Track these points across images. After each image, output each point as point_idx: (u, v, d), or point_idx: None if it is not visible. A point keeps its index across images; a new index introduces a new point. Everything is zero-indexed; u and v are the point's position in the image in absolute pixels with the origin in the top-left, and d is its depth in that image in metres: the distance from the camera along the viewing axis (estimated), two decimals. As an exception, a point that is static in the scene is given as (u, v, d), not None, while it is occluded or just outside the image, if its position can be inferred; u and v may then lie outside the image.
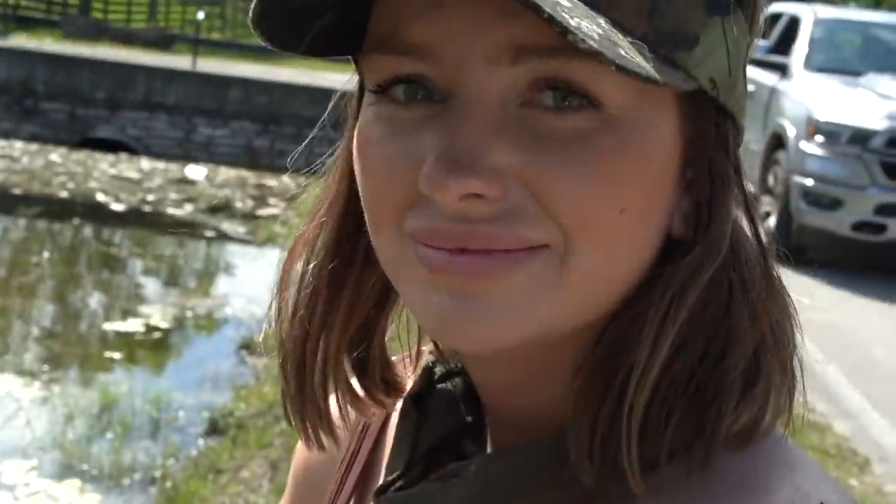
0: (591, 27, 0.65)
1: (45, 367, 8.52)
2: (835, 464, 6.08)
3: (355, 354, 0.92)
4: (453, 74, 0.72)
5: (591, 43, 0.64)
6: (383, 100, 0.77)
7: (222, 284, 11.38)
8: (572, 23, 0.64)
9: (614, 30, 0.68)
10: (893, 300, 9.78)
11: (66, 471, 6.50)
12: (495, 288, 0.73)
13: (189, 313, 10.04)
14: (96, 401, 7.50)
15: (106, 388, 7.75)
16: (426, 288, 0.75)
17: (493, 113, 0.72)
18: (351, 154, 0.82)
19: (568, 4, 0.66)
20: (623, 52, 0.66)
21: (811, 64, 11.45)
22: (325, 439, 0.94)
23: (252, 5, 0.73)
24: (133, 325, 9.50)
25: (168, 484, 6.21)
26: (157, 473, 6.45)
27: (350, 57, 0.83)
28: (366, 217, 0.80)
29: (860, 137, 10.11)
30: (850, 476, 6.02)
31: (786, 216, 10.29)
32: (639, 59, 0.67)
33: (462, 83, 0.72)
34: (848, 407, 7.13)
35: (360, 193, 0.80)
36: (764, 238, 0.81)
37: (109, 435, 7.00)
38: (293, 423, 0.94)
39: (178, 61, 20.59)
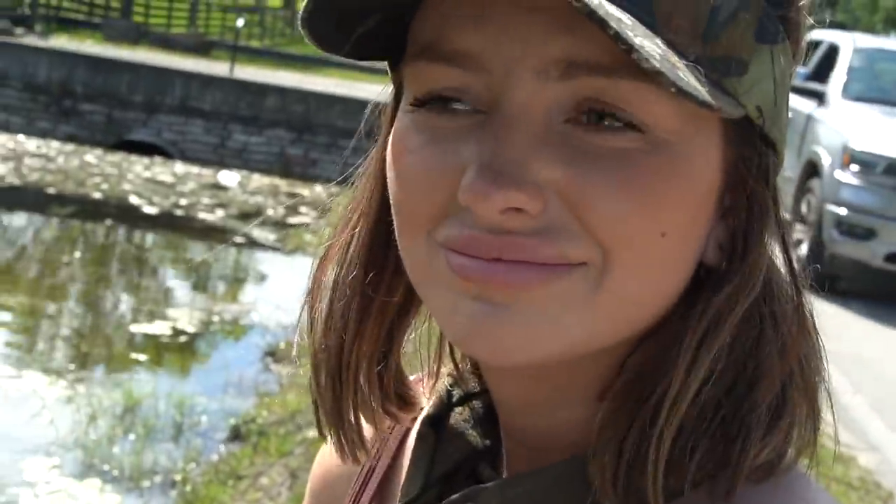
0: (652, 47, 0.65)
1: (71, 367, 8.60)
2: (858, 496, 6.03)
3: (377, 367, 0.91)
4: (500, 86, 0.71)
5: (654, 63, 0.63)
6: (422, 108, 0.75)
7: (250, 291, 11.45)
8: (636, 41, 0.63)
9: (670, 51, 0.67)
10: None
11: (87, 470, 6.54)
12: (528, 299, 0.72)
13: (216, 318, 10.09)
14: (120, 402, 7.54)
15: (130, 390, 7.79)
16: (455, 295, 0.74)
17: (538, 127, 0.71)
18: (383, 162, 0.81)
19: (629, 22, 0.65)
20: (681, 75, 0.65)
21: (849, 93, 11.40)
22: (358, 452, 0.93)
23: (304, 3, 0.71)
24: (160, 328, 9.56)
25: (188, 488, 6.23)
26: (178, 477, 6.48)
27: (387, 64, 0.82)
28: (395, 224, 0.79)
29: (896, 165, 10.08)
30: (874, 509, 5.99)
31: (818, 245, 10.22)
32: (695, 83, 0.66)
33: (508, 95, 0.71)
34: (873, 439, 7.08)
35: (392, 201, 0.79)
36: (797, 271, 0.79)
37: (132, 437, 7.04)
38: (328, 434, 0.93)
39: (217, 67, 20.72)
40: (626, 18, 0.65)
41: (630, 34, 0.63)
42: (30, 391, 7.77)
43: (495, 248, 0.71)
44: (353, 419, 0.91)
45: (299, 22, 0.73)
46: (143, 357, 8.94)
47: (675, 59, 0.66)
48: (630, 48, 0.63)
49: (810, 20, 0.80)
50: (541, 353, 0.74)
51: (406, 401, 0.94)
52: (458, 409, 0.92)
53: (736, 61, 0.72)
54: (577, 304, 0.72)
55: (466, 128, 0.72)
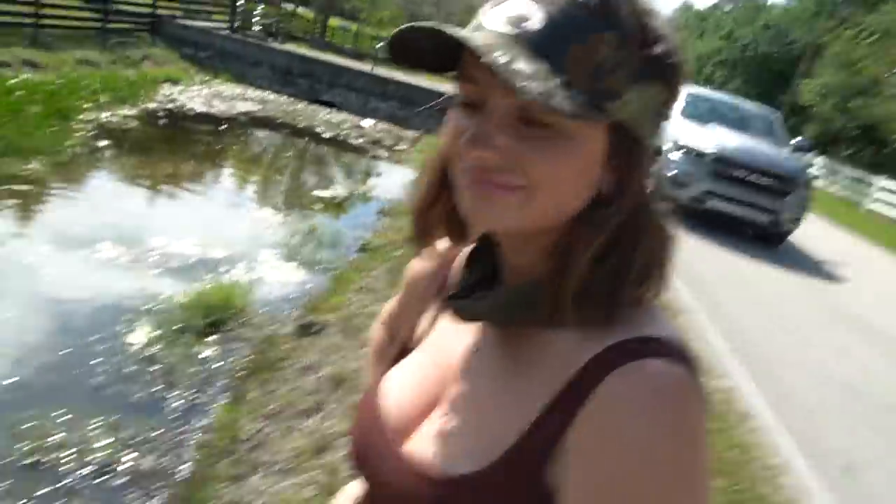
0: (536, 87, 0.64)
1: (284, 209, 8.58)
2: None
3: (449, 220, 0.87)
4: (487, 97, 0.71)
5: (530, 95, 0.64)
6: (460, 105, 0.75)
7: (373, 180, 11.29)
8: (525, 84, 0.64)
9: (561, 88, 0.65)
10: (706, 237, 9.54)
11: (289, 259, 6.56)
12: (496, 202, 0.71)
13: (356, 192, 10.00)
14: (307, 227, 7.52)
15: (313, 222, 7.77)
16: (467, 196, 0.74)
17: (500, 118, 0.70)
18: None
19: (531, 72, 0.65)
20: (555, 100, 0.64)
21: (683, 114, 11.05)
22: (424, 250, 0.90)
23: (386, 45, 0.72)
24: (328, 193, 9.49)
25: (336, 272, 6.25)
26: (333, 266, 6.49)
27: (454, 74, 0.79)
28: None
29: (700, 153, 9.79)
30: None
31: (657, 189, 10.01)
32: (562, 103, 0.65)
33: (490, 101, 0.71)
34: (681, 300, 6.91)
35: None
36: (659, 201, 0.75)
37: (311, 245, 7.02)
38: (415, 244, 0.90)
39: (365, 67, 20.15)
40: (530, 69, 0.65)
41: (525, 81, 0.64)
42: (262, 218, 7.79)
43: (477, 175, 0.71)
44: (425, 241, 0.88)
45: (388, 51, 0.72)
46: (318, 206, 8.89)
47: (558, 92, 0.65)
48: (530, 95, 0.64)
49: (684, 73, 0.73)
50: (502, 227, 0.74)
51: (464, 236, 0.90)
52: (482, 250, 0.89)
53: (612, 92, 0.68)
54: (520, 206, 0.71)
55: (471, 113, 0.72)
